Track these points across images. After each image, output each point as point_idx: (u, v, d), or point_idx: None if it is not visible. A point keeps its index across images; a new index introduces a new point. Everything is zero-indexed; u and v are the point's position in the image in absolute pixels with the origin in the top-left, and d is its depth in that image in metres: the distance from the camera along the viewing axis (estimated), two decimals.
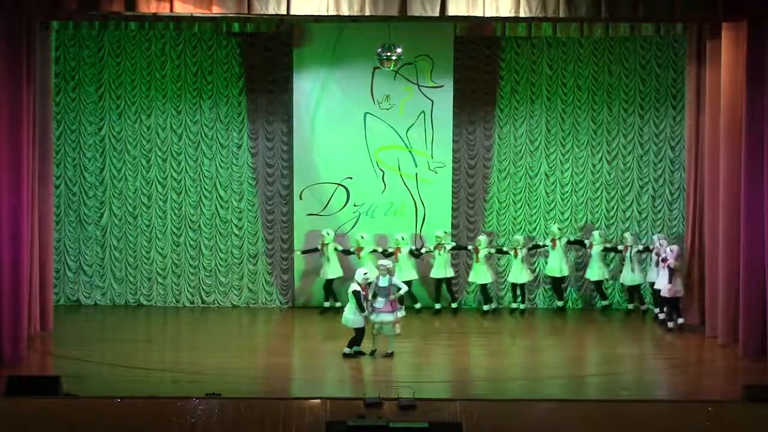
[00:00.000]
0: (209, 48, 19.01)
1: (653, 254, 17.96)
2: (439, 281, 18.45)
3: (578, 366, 15.55)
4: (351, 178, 18.82)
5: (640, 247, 18.50)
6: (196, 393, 12.92)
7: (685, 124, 18.18)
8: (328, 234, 18.29)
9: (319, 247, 18.36)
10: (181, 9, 15.08)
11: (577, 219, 19.24)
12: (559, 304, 18.79)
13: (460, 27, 18.30)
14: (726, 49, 15.78)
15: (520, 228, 19.22)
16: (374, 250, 18.19)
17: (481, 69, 19.08)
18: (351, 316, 15.38)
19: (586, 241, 18.64)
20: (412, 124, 18.77)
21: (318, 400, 12.57)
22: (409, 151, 18.83)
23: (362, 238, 18.25)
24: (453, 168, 18.97)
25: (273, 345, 16.73)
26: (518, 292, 18.57)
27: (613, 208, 19.22)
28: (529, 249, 18.63)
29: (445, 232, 18.43)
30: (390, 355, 15.45)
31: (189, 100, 19.06)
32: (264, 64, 19.01)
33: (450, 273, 18.46)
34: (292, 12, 15.03)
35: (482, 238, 18.43)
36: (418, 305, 18.40)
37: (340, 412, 12.27)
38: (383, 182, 18.84)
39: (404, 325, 16.26)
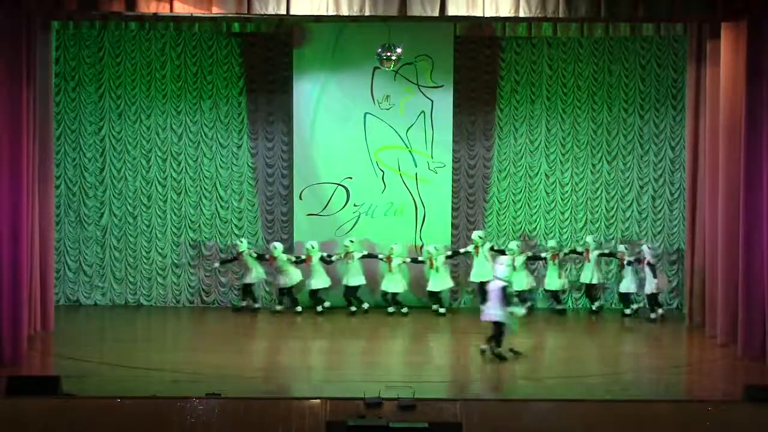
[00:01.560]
0: (209, 48, 19.02)
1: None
2: (352, 288, 18.46)
3: (579, 366, 15.55)
4: (351, 178, 18.82)
5: (566, 251, 18.69)
6: (196, 393, 12.91)
7: (685, 124, 18.18)
8: (241, 242, 18.52)
9: (236, 255, 18.58)
10: (181, 9, 15.08)
11: (577, 219, 19.25)
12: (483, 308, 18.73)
13: (460, 27, 18.31)
14: (726, 49, 15.78)
15: (520, 228, 19.24)
16: (288, 259, 18.41)
17: (481, 69, 19.09)
18: (498, 311, 15.37)
19: (508, 251, 18.56)
20: (412, 124, 18.77)
21: (318, 400, 12.55)
22: (409, 151, 18.84)
23: (397, 243, 18.43)
24: (453, 168, 18.98)
25: (273, 345, 16.72)
26: (436, 298, 18.56)
27: (613, 208, 19.23)
28: (448, 257, 18.52)
29: (351, 241, 18.40)
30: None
31: (189, 101, 19.07)
32: (264, 64, 19.02)
33: (362, 281, 18.44)
34: (292, 12, 15.03)
35: (396, 247, 18.38)
36: (357, 307, 18.53)
37: (340, 412, 12.27)
38: (383, 182, 18.84)
39: (397, 326, 16.91)
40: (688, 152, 17.90)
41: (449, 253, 18.65)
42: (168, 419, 12.24)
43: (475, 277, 18.60)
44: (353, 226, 18.83)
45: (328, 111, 18.74)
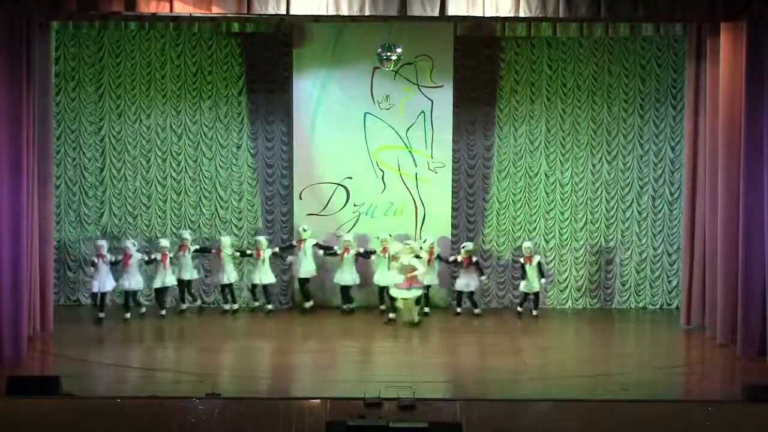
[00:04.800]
0: (209, 48, 19.01)
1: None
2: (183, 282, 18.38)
3: (579, 366, 15.56)
4: (351, 178, 18.82)
5: (361, 250, 18.45)
6: (196, 393, 12.93)
7: (685, 124, 18.19)
8: (101, 246, 17.84)
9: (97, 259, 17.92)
10: (181, 9, 15.12)
11: (577, 219, 19.26)
12: (344, 307, 18.54)
13: (460, 27, 18.28)
14: (725, 49, 15.79)
15: (521, 227, 19.25)
16: (142, 259, 18.19)
17: (481, 69, 19.08)
18: None
19: (336, 247, 18.45)
20: (412, 124, 18.77)
21: (318, 400, 12.57)
22: (409, 151, 18.83)
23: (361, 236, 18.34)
24: (453, 168, 18.97)
25: (273, 345, 16.72)
26: (261, 291, 18.55)
27: (613, 208, 19.23)
28: (276, 251, 18.41)
29: (185, 238, 18.30)
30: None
31: (189, 100, 19.07)
32: (264, 64, 19.02)
33: (194, 276, 18.40)
34: (292, 12, 15.06)
35: (225, 239, 18.34)
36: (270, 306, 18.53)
37: (340, 412, 12.28)
38: (383, 182, 18.84)
39: (401, 326, 17.06)
40: (687, 151, 17.88)
41: (276, 248, 18.48)
42: (168, 419, 12.24)
43: (300, 272, 18.43)
44: (353, 226, 18.83)
45: (328, 111, 18.74)
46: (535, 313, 18.28)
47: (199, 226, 19.16)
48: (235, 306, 18.59)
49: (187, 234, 18.47)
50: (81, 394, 13.02)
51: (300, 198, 18.83)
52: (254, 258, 18.39)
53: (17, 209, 14.86)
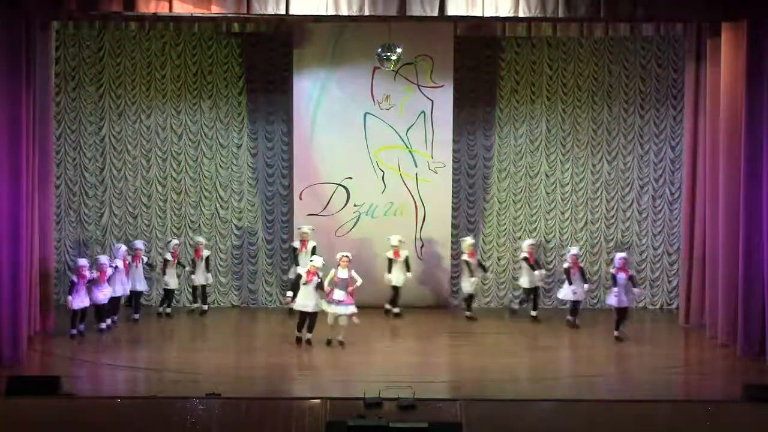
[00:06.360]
0: (209, 48, 19.02)
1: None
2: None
3: (580, 366, 15.56)
4: (351, 178, 18.81)
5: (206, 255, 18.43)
6: (196, 393, 12.93)
7: (685, 124, 18.19)
8: (83, 266, 17.04)
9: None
10: (181, 9, 15.12)
11: (578, 219, 19.26)
12: (204, 308, 18.51)
13: (460, 27, 18.31)
14: (725, 49, 15.80)
15: (521, 227, 19.26)
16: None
17: (481, 69, 19.10)
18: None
19: (165, 258, 18.31)
20: (412, 124, 18.77)
21: (318, 400, 12.58)
22: (409, 151, 18.83)
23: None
24: (453, 168, 18.97)
25: (273, 345, 16.72)
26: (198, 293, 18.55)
27: (613, 208, 19.24)
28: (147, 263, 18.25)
29: (138, 248, 17.95)
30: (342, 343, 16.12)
31: (189, 100, 19.07)
32: (264, 64, 19.03)
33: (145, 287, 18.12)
34: (291, 12, 15.06)
35: (137, 244, 18.10)
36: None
37: (340, 412, 12.29)
38: (383, 182, 18.83)
39: (401, 326, 16.90)
40: (687, 151, 17.90)
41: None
42: (168, 419, 12.25)
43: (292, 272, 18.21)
44: (353, 226, 18.83)
45: (328, 111, 18.73)
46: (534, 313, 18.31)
47: (199, 226, 19.16)
48: (168, 310, 18.25)
49: (140, 244, 18.11)
50: (81, 394, 13.02)
51: (300, 198, 18.82)
52: (194, 258, 18.25)
53: (17, 209, 14.86)
